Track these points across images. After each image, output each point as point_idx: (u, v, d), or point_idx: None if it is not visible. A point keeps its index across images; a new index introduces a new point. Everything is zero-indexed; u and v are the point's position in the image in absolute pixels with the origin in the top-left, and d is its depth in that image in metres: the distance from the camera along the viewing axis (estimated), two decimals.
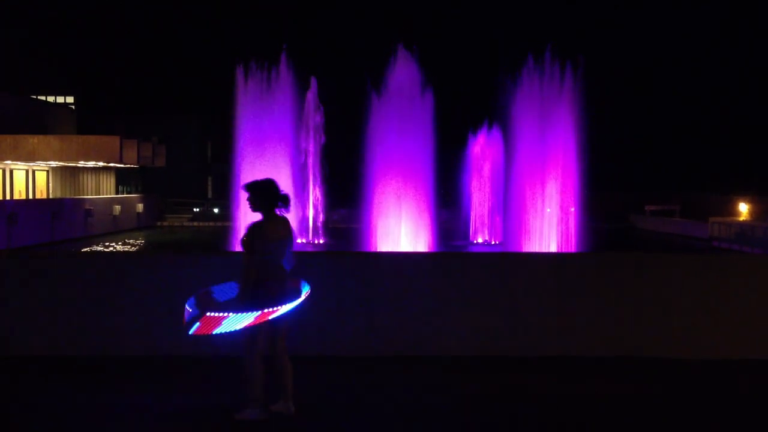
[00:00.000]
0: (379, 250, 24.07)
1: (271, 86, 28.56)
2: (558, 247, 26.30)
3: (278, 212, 6.61)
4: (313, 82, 33.77)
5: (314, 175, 34.44)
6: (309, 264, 8.94)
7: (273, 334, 6.63)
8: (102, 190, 53.73)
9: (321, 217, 34.20)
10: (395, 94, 26.37)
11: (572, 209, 26.78)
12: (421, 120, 26.21)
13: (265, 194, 6.56)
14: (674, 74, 79.25)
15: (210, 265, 9.37)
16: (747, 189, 48.01)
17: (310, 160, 34.12)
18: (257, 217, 6.62)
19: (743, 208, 46.11)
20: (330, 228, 35.20)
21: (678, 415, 7.12)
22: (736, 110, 71.72)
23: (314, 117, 34.06)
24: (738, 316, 9.24)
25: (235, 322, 6.11)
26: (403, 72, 26.42)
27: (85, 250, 31.77)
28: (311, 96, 33.59)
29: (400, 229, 25.49)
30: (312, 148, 34.19)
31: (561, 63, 25.98)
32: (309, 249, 28.94)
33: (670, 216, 50.92)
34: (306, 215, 32.87)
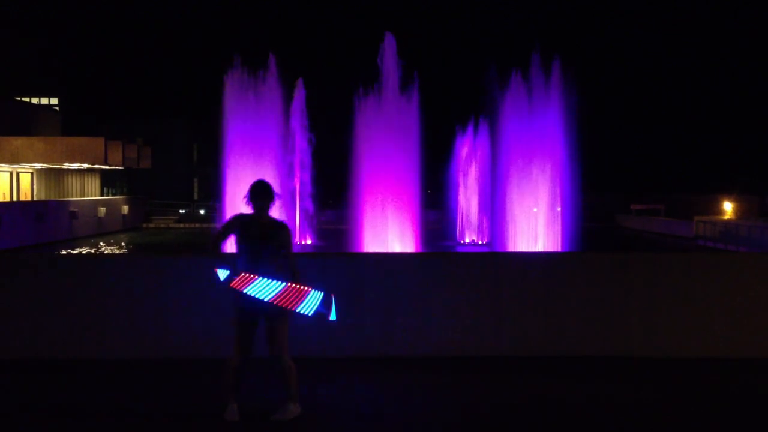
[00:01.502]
0: (366, 251, 24.05)
1: (259, 88, 28.47)
2: (545, 246, 26.39)
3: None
4: (300, 84, 33.72)
5: (301, 175, 34.40)
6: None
7: (269, 335, 6.69)
8: (87, 192, 53.40)
9: (309, 219, 34.18)
10: (382, 94, 26.37)
11: (558, 209, 26.89)
12: (407, 121, 26.22)
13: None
14: (661, 77, 79.75)
15: (196, 267, 9.33)
16: (731, 188, 48.43)
17: (297, 162, 34.07)
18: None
19: (728, 207, 46.48)
20: (319, 229, 35.22)
21: (665, 415, 7.16)
22: (721, 111, 72.29)
23: (301, 118, 34.02)
24: (723, 314, 9.30)
25: (264, 288, 6.42)
26: (390, 72, 26.43)
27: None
28: (298, 97, 33.56)
29: (388, 229, 25.48)
30: (299, 150, 34.15)
31: (549, 63, 26.07)
32: (296, 250, 28.89)
33: (656, 215, 51.26)
34: (293, 216, 32.82)
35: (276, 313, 6.60)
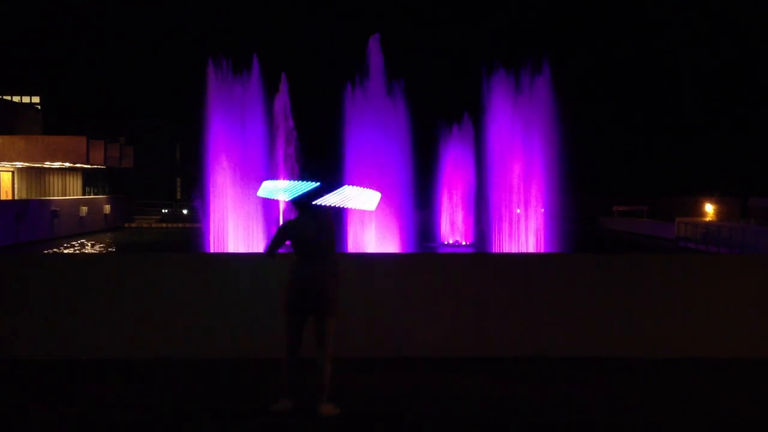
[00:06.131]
0: (350, 251, 24.03)
1: (242, 86, 28.32)
2: (528, 247, 26.45)
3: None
4: (284, 81, 33.57)
5: (286, 175, 34.27)
6: (277, 264, 8.80)
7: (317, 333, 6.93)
8: (68, 191, 52.95)
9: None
10: (368, 94, 26.36)
11: (542, 210, 26.96)
12: (393, 121, 26.22)
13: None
14: (649, 78, 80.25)
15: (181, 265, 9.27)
16: (713, 190, 48.89)
17: (281, 160, 33.96)
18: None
19: (709, 209, 46.88)
20: None
21: (646, 414, 7.19)
22: (705, 114, 72.89)
23: (285, 117, 33.89)
24: (703, 315, 9.35)
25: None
26: (376, 73, 26.41)
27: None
28: (282, 95, 33.41)
29: (373, 230, 25.47)
30: (283, 148, 34.03)
31: (534, 66, 26.12)
32: (281, 251, 28.81)
33: (638, 217, 51.60)
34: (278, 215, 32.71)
35: (322, 309, 6.86)
